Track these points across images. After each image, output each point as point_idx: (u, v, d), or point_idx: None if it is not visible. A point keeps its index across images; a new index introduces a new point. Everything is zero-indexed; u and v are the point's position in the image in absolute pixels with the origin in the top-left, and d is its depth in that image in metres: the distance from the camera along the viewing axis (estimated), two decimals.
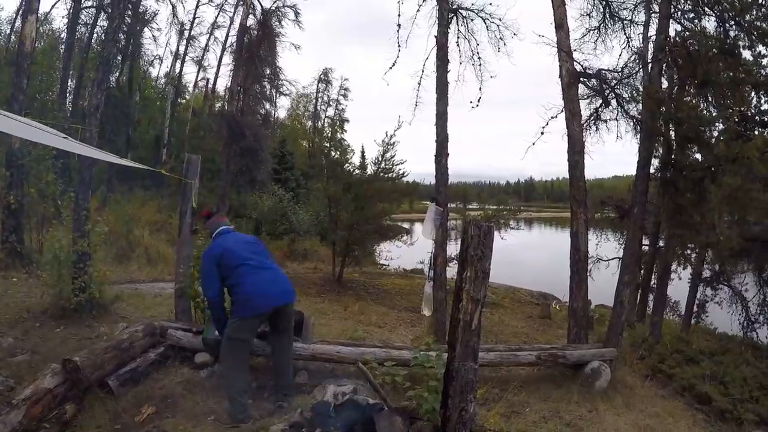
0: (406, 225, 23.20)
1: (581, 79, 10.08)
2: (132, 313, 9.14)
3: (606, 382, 8.93)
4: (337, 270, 15.18)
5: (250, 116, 22.44)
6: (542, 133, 10.27)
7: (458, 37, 11.80)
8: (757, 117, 11.89)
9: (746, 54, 10.66)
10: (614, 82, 9.99)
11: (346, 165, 15.16)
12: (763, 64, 11.08)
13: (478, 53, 11.62)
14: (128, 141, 26.72)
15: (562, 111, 9.97)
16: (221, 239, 5.92)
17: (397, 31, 11.42)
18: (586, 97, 10.40)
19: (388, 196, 14.90)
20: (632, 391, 9.21)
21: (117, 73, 27.78)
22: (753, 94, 11.45)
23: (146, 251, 14.88)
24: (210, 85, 31.12)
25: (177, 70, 30.81)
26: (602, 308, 17.72)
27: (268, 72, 23.83)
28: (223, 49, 28.12)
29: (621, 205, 13.69)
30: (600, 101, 10.52)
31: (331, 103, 47.43)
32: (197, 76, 30.83)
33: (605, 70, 10.18)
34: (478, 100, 11.26)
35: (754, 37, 10.10)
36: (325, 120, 44.13)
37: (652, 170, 10.28)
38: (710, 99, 10.52)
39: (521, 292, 19.60)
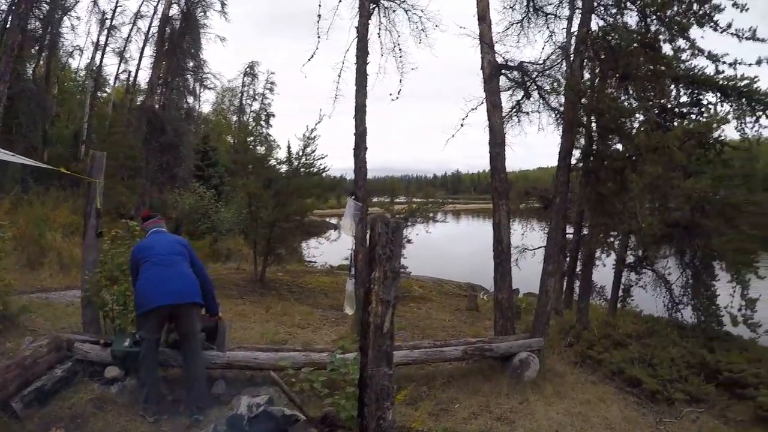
0: (334, 221, 22.94)
1: (503, 71, 10.11)
2: (42, 326, 8.51)
3: (535, 372, 9.06)
4: (259, 270, 14.78)
5: (172, 110, 21.66)
6: (462, 125, 10.28)
7: (380, 29, 11.65)
8: (676, 108, 12.35)
9: (667, 48, 11.02)
10: (536, 74, 10.02)
11: (268, 160, 14.65)
12: (682, 58, 11.47)
13: (399, 45, 11.51)
14: (45, 137, 25.24)
15: (482, 103, 9.96)
16: (147, 238, 5.99)
17: (317, 21, 11.20)
18: (507, 89, 10.43)
19: (309, 192, 14.56)
20: (563, 379, 9.38)
21: (32, 65, 26.16)
22: (672, 86, 11.87)
23: (59, 256, 14.01)
24: (132, 78, 29.64)
25: (97, 62, 29.22)
26: (530, 297, 18.03)
27: (191, 64, 23.09)
28: (146, 41, 26.82)
29: (545, 196, 13.91)
30: (522, 93, 10.55)
31: (256, 97, 46.46)
32: (118, 69, 29.45)
33: (527, 62, 10.24)
34: (398, 92, 11.17)
35: (674, 31, 10.39)
36: (251, 114, 43.28)
37: (573, 161, 10.39)
38: (631, 91, 10.72)
39: (449, 285, 19.79)
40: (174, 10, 22.94)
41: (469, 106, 10.05)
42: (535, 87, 10.21)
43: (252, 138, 15.36)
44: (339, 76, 10.63)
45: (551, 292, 10.11)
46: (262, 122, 39.46)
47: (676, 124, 11.27)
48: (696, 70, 11.58)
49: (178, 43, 21.98)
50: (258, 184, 14.18)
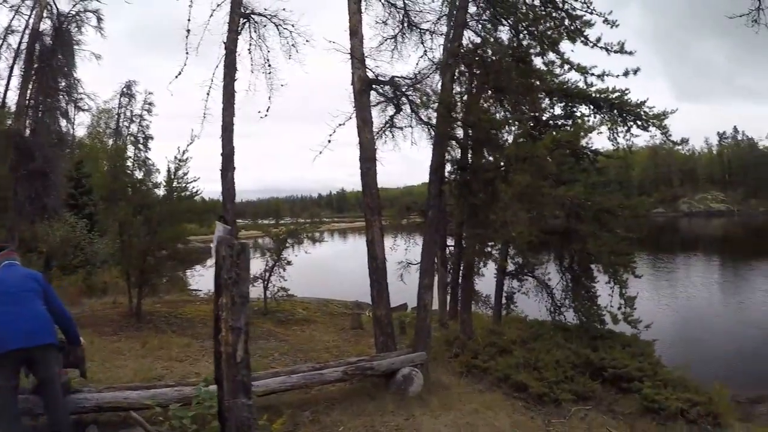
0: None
1: (373, 86, 9.99)
2: None
3: (419, 386, 8.98)
4: (134, 303, 13.74)
5: (43, 135, 20.01)
6: (329, 141, 9.96)
7: (250, 44, 11.28)
8: (551, 121, 12.86)
9: (539, 62, 11.39)
10: (405, 88, 9.97)
11: (139, 186, 13.81)
12: (555, 72, 11.94)
13: (269, 61, 11.15)
14: None
15: (350, 118, 9.79)
16: None
17: (186, 37, 10.61)
18: (377, 104, 10.26)
19: (182, 217, 13.81)
20: (449, 391, 9.35)
21: None
22: (546, 99, 12.33)
23: None
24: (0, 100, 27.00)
25: None
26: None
27: (63, 84, 21.46)
28: (16, 58, 24.47)
29: (425, 210, 14.00)
30: (393, 109, 10.47)
31: (134, 118, 43.98)
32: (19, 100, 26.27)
33: (398, 77, 10.15)
34: (267, 110, 10.83)
35: (545, 46, 10.72)
36: (128, 137, 40.73)
37: (447, 174, 10.50)
38: (506, 104, 10.98)
39: (335, 304, 19.59)
40: (46, 25, 21.34)
41: (337, 121, 9.80)
42: (407, 101, 10.11)
43: (121, 163, 14.24)
44: (208, 94, 10.14)
45: (429, 306, 10.09)
46: (140, 145, 37.49)
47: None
48: (569, 84, 12.16)
49: (49, 61, 20.32)
50: (128, 210, 13.24)
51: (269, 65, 11.01)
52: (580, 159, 12.81)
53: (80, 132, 31.00)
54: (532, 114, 11.31)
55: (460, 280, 14.01)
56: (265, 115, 10.67)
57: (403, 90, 9.98)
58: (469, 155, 11.11)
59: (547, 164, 9.30)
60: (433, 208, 9.97)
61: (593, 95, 12.11)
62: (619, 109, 12.16)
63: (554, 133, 10.69)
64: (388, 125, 10.69)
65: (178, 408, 5.33)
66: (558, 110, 12.81)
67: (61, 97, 21.54)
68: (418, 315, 10.22)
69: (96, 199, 20.18)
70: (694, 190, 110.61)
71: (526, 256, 12.43)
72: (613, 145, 12.67)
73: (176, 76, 10.59)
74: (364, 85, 9.91)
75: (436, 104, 9.90)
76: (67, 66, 21.86)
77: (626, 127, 12.35)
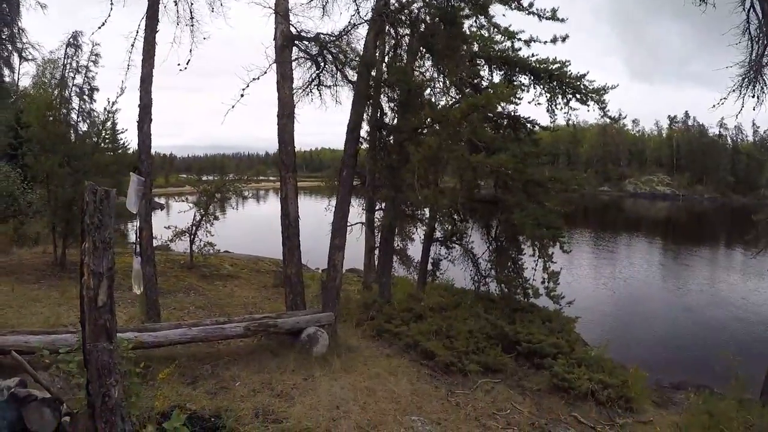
0: (163, 200, 22.08)
1: (296, 42, 9.77)
2: None
3: (324, 347, 8.95)
4: (59, 253, 13.78)
5: None
6: (242, 96, 9.76)
7: None
8: (489, 89, 12.64)
9: (472, 26, 11.19)
10: (329, 44, 9.74)
11: (68, 137, 13.52)
12: (495, 39, 11.75)
13: (192, 13, 10.73)
14: None
15: (265, 73, 9.58)
16: None
17: None
18: (296, 58, 10.02)
19: (108, 169, 13.63)
20: (355, 354, 9.35)
21: None
22: (486, 67, 12.16)
23: None
24: None
25: None
26: (350, 273, 18.14)
27: (5, 32, 20.88)
28: None
29: (362, 172, 13.82)
30: (313, 65, 10.25)
31: (80, 69, 43.07)
32: None
33: (324, 34, 9.92)
34: (187, 63, 10.43)
35: (475, 7, 10.49)
36: (73, 88, 40.01)
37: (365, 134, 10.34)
38: (440, 68, 10.75)
39: (265, 262, 19.26)
40: None
41: (251, 75, 9.57)
42: (332, 58, 9.93)
43: (51, 113, 13.87)
44: (132, 45, 9.74)
45: (340, 266, 10.00)
46: (85, 96, 36.89)
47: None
48: (508, 52, 11.99)
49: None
50: (55, 160, 13.07)
51: (192, 17, 10.58)
52: (516, 129, 12.73)
53: (26, 82, 30.25)
54: (468, 79, 11.13)
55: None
56: (185, 68, 10.31)
57: (327, 46, 9.77)
58: (389, 117, 10.99)
59: (462, 128, 9.15)
60: (347, 168, 9.81)
61: (533, 65, 11.95)
62: (559, 81, 12.04)
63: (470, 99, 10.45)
64: (314, 83, 10.50)
65: (66, 354, 5.21)
66: (497, 78, 12.64)
67: (7, 45, 21.05)
68: (327, 275, 10.12)
69: (35, 149, 19.73)
70: (641, 172, 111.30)
71: (447, 222, 12.36)
72: (551, 117, 12.61)
73: (99, 27, 10.20)
74: (286, 41, 9.70)
75: (359, 63, 9.75)
76: (10, 14, 21.31)
77: (565, 100, 12.27)
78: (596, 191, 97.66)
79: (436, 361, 9.43)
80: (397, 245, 14.94)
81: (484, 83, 12.32)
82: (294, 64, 10.02)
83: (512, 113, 12.47)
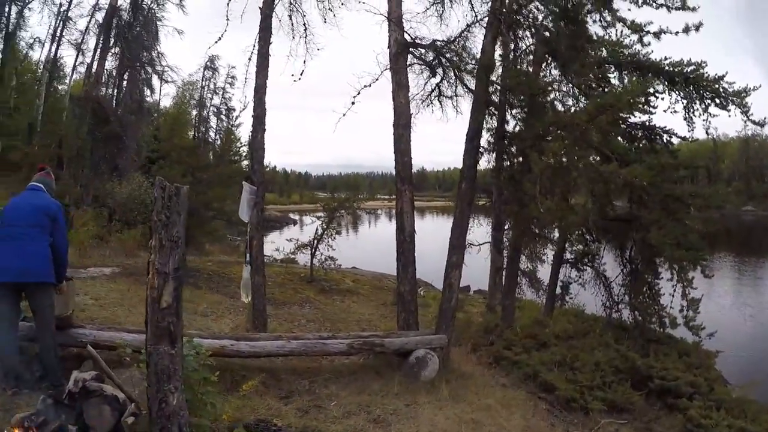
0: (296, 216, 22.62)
1: (410, 49, 9.38)
2: None
3: (434, 372, 8.30)
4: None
5: (127, 102, 21.20)
6: (353, 104, 9.53)
7: (290, 11, 10.82)
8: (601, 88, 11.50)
9: (597, 28, 10.21)
10: (444, 50, 9.22)
11: (193, 149, 14.09)
12: (624, 43, 10.72)
13: (306, 25, 10.68)
14: None
15: (376, 80, 9.27)
16: (18, 196, 5.73)
17: (228, 3, 10.39)
18: (410, 64, 9.59)
19: (229, 180, 13.98)
20: (468, 381, 8.59)
21: None
22: (615, 72, 11.12)
23: None
24: (87, 70, 28.63)
25: (53, 54, 27.97)
26: (479, 294, 17.30)
27: (145, 56, 22.58)
28: (100, 33, 25.89)
29: (490, 189, 13.10)
30: (429, 73, 9.75)
31: (217, 91, 46.25)
32: (75, 60, 27.36)
33: (439, 41, 9.47)
34: (301, 74, 10.41)
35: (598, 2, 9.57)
36: (211, 108, 43.01)
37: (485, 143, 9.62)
38: (560, 69, 9.93)
39: (389, 279, 18.61)
40: (125, 2, 22.51)
41: (362, 83, 9.33)
42: (449, 64, 9.42)
43: (178, 127, 14.58)
44: (249, 59, 9.83)
45: (456, 286, 9.30)
46: (222, 116, 39.57)
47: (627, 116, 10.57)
48: (639, 55, 10.86)
49: (127, 34, 21.49)
50: (178, 171, 13.66)
51: (305, 28, 10.55)
52: (651, 140, 11.48)
53: (167, 102, 32.55)
54: (586, 82, 10.14)
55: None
56: (299, 79, 10.34)
57: (442, 51, 9.28)
58: (512, 124, 10.17)
59: (590, 133, 8.19)
60: (466, 180, 9.15)
61: (666, 68, 10.72)
62: (695, 85, 10.70)
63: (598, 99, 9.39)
64: (434, 93, 10.03)
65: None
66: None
67: (142, 68, 22.74)
68: (443, 295, 9.46)
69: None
70: None
71: (578, 241, 11.28)
72: (689, 126, 11.22)
73: (215, 42, 10.50)
74: (400, 48, 9.41)
75: (477, 68, 9.13)
76: (149, 40, 23.02)
77: (703, 105, 10.89)
78: (739, 210, 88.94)
79: (556, 395, 8.46)
80: (525, 266, 14.13)
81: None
82: (410, 72, 9.63)
83: (647, 123, 11.21)
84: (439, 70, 9.78)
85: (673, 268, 10.19)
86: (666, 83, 10.97)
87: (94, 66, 23.41)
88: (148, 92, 24.98)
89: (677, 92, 10.95)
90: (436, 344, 8.61)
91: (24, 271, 5.20)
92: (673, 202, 10.20)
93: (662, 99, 11.05)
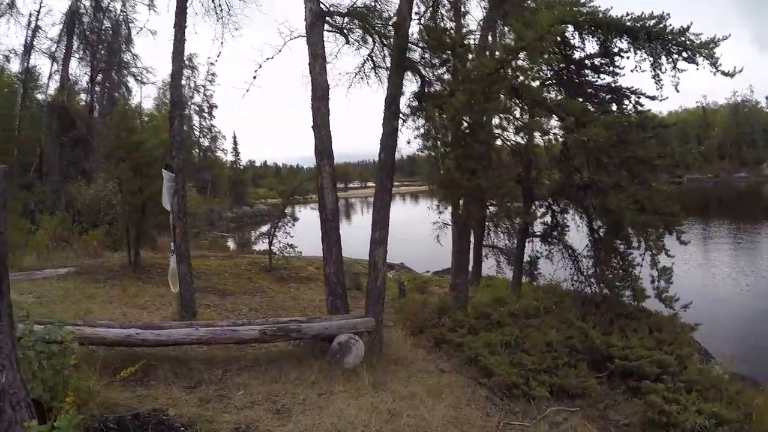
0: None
1: (326, 18, 8.77)
2: None
3: (358, 358, 7.72)
4: (132, 255, 14.22)
5: (104, 105, 21.15)
6: (255, 78, 9.28)
7: None
8: (586, 61, 10.80)
9: None
10: (362, 15, 8.55)
11: (141, 146, 13.65)
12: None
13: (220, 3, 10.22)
14: None
15: (279, 51, 8.78)
16: None
17: None
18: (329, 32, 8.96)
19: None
20: (399, 367, 7.98)
21: None
22: (576, 34, 10.35)
23: None
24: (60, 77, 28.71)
25: (27, 64, 28.09)
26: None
27: (116, 59, 22.46)
28: (61, 38, 25.76)
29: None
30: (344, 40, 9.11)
31: (198, 89, 46.53)
32: (51, 69, 27.04)
33: (360, 7, 8.80)
34: (218, 55, 10.55)
35: None
36: (192, 107, 43.32)
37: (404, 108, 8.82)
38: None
39: (362, 265, 18.18)
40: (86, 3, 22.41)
41: (265, 56, 8.83)
42: (364, 30, 8.76)
43: (124, 124, 14.16)
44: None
45: (382, 264, 8.53)
46: (205, 114, 39.98)
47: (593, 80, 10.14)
48: (597, 11, 9.97)
49: (90, 38, 21.44)
50: (127, 168, 13.42)
51: (221, 8, 10.09)
52: (619, 102, 10.57)
53: (147, 104, 32.53)
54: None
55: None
56: (216, 61, 10.11)
57: (359, 17, 8.63)
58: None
59: (501, 82, 7.35)
60: (385, 150, 8.42)
61: (627, 24, 9.81)
62: (661, 40, 9.78)
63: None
64: (367, 65, 9.37)
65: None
66: (591, 47, 10.59)
67: (113, 71, 22.65)
68: (369, 275, 8.74)
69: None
70: None
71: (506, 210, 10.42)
72: (656, 84, 10.25)
73: (137, 32, 10.29)
74: (315, 18, 8.81)
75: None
76: (117, 42, 22.87)
77: (670, 61, 9.93)
78: (732, 177, 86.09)
79: (496, 380, 7.57)
80: (494, 241, 13.54)
81: (577, 54, 10.41)
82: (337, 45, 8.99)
83: (612, 84, 10.36)
84: (368, 39, 9.10)
85: (639, 235, 9.37)
86: (629, 40, 10.08)
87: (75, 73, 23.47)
88: (126, 95, 24.94)
89: (642, 49, 10.04)
90: (362, 328, 8.01)
91: None
92: (636, 164, 9.37)
93: (627, 58, 10.24)
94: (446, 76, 8.56)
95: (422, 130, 8.60)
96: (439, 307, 10.35)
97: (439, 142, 8.72)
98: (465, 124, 8.04)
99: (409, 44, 8.34)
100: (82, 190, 18.09)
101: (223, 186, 56.08)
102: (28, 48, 25.74)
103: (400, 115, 8.51)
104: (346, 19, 9.03)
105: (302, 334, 7.71)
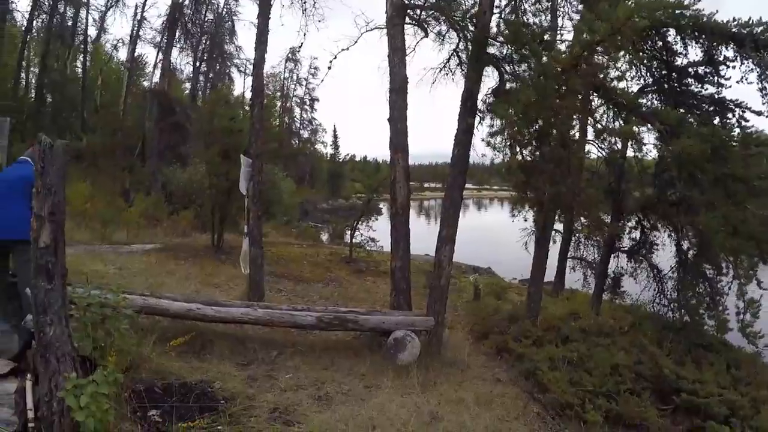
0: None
1: (408, 11, 8.68)
2: None
3: (413, 356, 7.55)
4: (216, 236, 14.83)
5: (206, 94, 22.20)
6: (329, 68, 9.75)
7: None
8: (689, 69, 10.10)
9: None
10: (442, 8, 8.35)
11: (233, 130, 14.01)
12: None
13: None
14: (83, 124, 27.52)
15: (355, 42, 8.74)
16: (8, 167, 6.49)
17: None
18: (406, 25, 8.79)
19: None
20: (454, 371, 7.73)
21: (68, 58, 28.94)
22: (679, 39, 9.68)
23: None
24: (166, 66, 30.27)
25: (137, 54, 30.80)
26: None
27: (218, 51, 23.52)
28: (164, 29, 27.23)
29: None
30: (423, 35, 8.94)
31: (301, 82, 47.77)
32: (156, 58, 29.48)
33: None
34: (300, 46, 11.27)
35: None
36: (293, 99, 44.54)
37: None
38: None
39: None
40: None
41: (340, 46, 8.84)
42: (446, 24, 8.57)
43: (219, 109, 14.59)
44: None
45: (447, 263, 8.28)
46: (306, 107, 41.05)
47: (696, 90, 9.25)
48: (700, 15, 9.27)
49: (192, 29, 22.58)
50: (216, 152, 13.82)
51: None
52: (722, 115, 9.77)
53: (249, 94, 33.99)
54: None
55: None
56: (299, 50, 10.28)
57: (441, 10, 8.46)
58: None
59: (573, 80, 6.88)
60: (459, 146, 8.17)
61: (733, 30, 9.03)
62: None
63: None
64: (453, 60, 9.17)
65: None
66: (695, 54, 9.88)
67: (216, 62, 23.75)
68: (433, 273, 8.52)
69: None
70: None
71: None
72: (762, 99, 9.36)
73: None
74: (395, 10, 8.80)
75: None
76: (219, 35, 23.93)
77: None
78: None
79: (549, 397, 7.14)
80: (582, 254, 13.22)
81: (679, 60, 9.72)
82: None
83: (715, 96, 9.57)
84: (452, 34, 8.89)
85: (728, 259, 8.61)
86: (735, 48, 9.31)
87: (180, 62, 24.89)
88: (229, 85, 26.05)
89: (748, 58, 9.24)
90: (420, 326, 7.86)
91: (8, 229, 5.69)
92: (733, 183, 8.59)
93: (733, 68, 9.44)
94: (525, 73, 8.16)
95: (494, 129, 8.24)
96: (509, 315, 10.02)
97: (509, 141, 8.36)
98: (538, 125, 7.65)
99: (489, 38, 8.06)
100: (177, 174, 18.92)
101: (321, 178, 57.28)
102: (134, 38, 28.49)
103: (477, 112, 8.26)
104: (425, 13, 8.91)
105: (358, 326, 7.70)
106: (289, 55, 45.72)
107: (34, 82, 28.94)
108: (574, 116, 7.74)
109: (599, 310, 10.56)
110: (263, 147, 9.73)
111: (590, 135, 9.24)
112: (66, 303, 4.26)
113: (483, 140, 8.05)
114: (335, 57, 9.24)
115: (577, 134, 9.27)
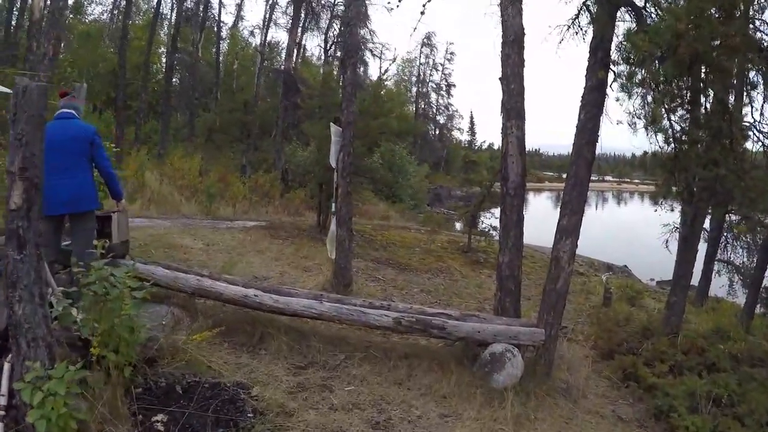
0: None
1: None
2: None
3: (513, 377, 5.90)
4: (320, 215, 14.29)
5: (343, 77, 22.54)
6: (422, 14, 8.21)
7: None
8: None
9: None
10: None
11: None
12: None
13: None
14: (217, 103, 29.47)
15: None
16: (51, 124, 5.46)
17: None
18: None
19: (376, 136, 13.82)
20: (564, 401, 5.99)
21: (199, 41, 30.16)
22: None
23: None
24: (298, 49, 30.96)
25: (269, 38, 32.97)
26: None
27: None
28: (297, 11, 27.79)
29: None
30: None
31: (437, 67, 47.08)
32: (288, 41, 29.34)
33: None
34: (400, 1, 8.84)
35: None
36: (429, 85, 43.94)
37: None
38: None
39: (578, 261, 15.94)
40: None
41: None
42: None
43: (327, 85, 13.98)
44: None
45: (569, 259, 6.43)
46: (442, 92, 40.38)
47: None
48: None
49: (318, 10, 22.74)
50: (322, 126, 12.89)
51: None
52: None
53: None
54: None
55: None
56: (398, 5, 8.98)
57: None
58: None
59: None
60: (586, 108, 6.33)
61: None
62: None
63: None
64: (582, 15, 7.33)
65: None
66: None
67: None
68: (548, 273, 6.66)
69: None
70: None
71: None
72: None
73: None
74: None
75: None
76: (347, 17, 23.82)
77: None
78: None
79: None
80: (730, 256, 11.31)
81: None
82: None
83: None
84: None
85: None
86: None
87: (309, 45, 25.95)
88: (361, 69, 26.10)
89: None
90: (525, 340, 6.14)
91: (75, 203, 5.55)
92: None
93: None
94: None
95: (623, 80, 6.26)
96: (643, 327, 8.05)
97: (650, 97, 6.46)
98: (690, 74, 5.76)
99: None
100: (297, 152, 18.69)
101: (456, 164, 56.74)
102: (267, 23, 30.15)
103: (610, 66, 6.34)
104: None
105: (446, 333, 6.10)
106: (425, 40, 45.71)
107: (165, 61, 31.07)
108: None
109: (750, 326, 8.56)
110: (354, 115, 8.57)
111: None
112: (42, 277, 3.66)
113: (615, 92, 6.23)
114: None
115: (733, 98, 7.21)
